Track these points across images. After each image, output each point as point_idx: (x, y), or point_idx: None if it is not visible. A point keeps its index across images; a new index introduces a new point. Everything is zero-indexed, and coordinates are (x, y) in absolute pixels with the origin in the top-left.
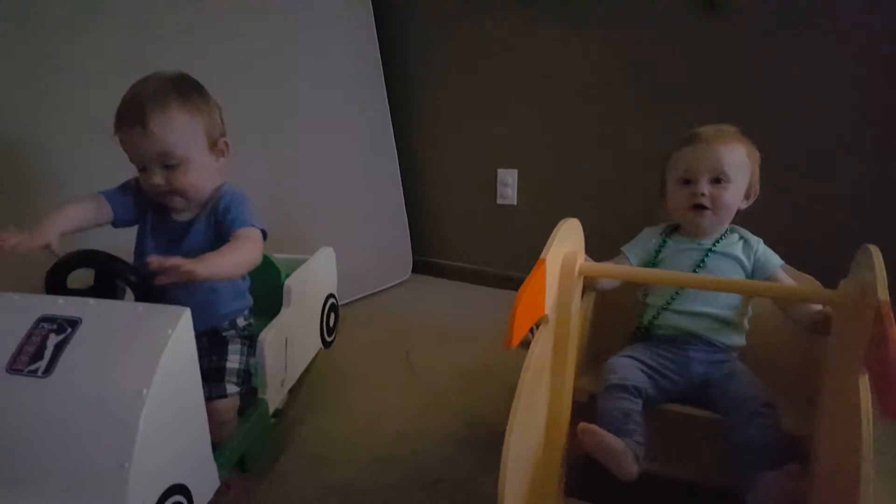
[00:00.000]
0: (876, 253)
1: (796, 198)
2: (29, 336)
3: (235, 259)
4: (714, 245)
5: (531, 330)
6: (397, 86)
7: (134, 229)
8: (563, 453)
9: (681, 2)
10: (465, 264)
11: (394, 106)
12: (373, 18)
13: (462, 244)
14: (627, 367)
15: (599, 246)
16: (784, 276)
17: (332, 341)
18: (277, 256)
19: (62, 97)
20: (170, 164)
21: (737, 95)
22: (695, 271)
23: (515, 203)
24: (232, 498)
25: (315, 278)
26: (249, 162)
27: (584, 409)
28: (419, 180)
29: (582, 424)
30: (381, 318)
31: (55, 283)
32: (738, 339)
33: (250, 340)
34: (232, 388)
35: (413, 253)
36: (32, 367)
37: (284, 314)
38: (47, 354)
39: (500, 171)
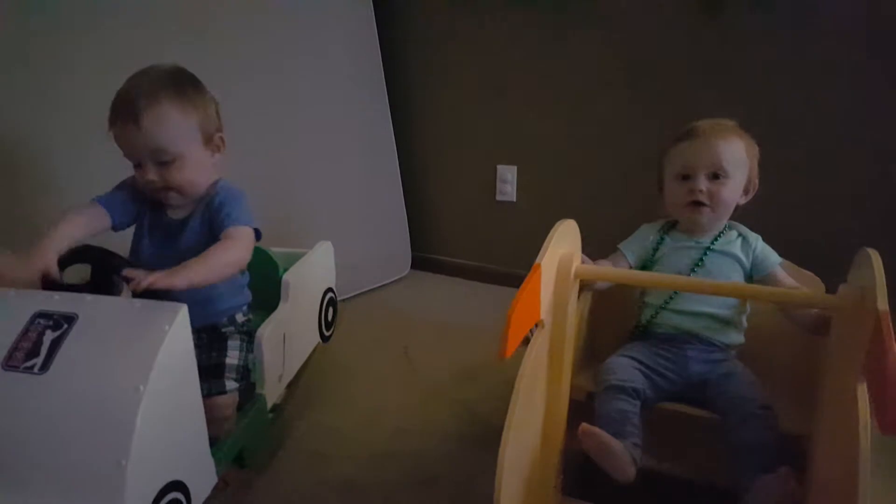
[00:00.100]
0: (875, 257)
1: (796, 196)
2: (25, 332)
3: (219, 262)
4: (712, 243)
5: (530, 330)
6: (397, 82)
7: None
8: (560, 452)
9: (681, 1)
10: (464, 261)
11: (393, 102)
12: (373, 14)
13: (461, 241)
14: (626, 368)
15: (598, 242)
16: (783, 274)
17: (331, 335)
18: (276, 251)
19: (62, 96)
20: (164, 161)
21: (737, 93)
22: (693, 270)
23: (515, 200)
24: (230, 493)
25: (313, 272)
26: (249, 157)
27: (582, 407)
28: (418, 176)
29: (583, 426)
30: (380, 315)
31: (51, 280)
32: (737, 337)
33: (249, 336)
34: (231, 385)
35: (412, 249)
36: (28, 364)
37: (282, 309)
38: (43, 351)
39: (499, 167)
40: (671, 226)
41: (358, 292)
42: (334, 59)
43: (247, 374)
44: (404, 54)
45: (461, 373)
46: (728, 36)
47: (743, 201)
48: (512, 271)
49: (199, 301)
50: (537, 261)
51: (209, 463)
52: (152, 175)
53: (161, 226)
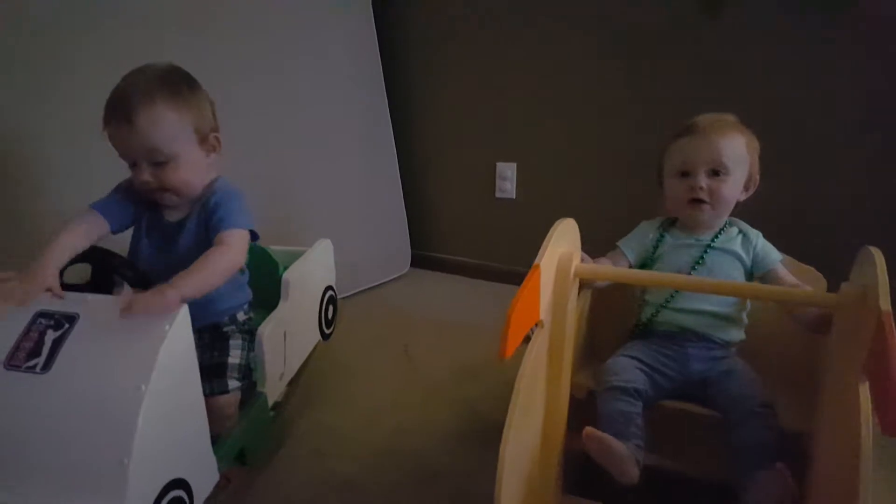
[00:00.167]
0: (878, 255)
1: (798, 194)
2: (26, 331)
3: (212, 271)
4: (713, 241)
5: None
6: (397, 82)
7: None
8: (560, 450)
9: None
10: (463, 258)
11: (393, 101)
12: (372, 14)
13: (461, 238)
14: (627, 369)
15: (598, 239)
16: (784, 271)
17: (331, 333)
18: (275, 249)
19: (61, 96)
20: (158, 161)
21: (737, 92)
22: (693, 268)
23: (514, 197)
24: (231, 491)
25: (313, 270)
26: (250, 156)
27: (583, 404)
28: (418, 174)
29: (587, 429)
30: (380, 312)
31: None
32: (738, 334)
33: (250, 335)
34: (233, 384)
35: (412, 247)
36: (30, 363)
37: (283, 307)
38: (45, 350)
39: (498, 164)
40: (671, 223)
41: (357, 290)
42: (334, 58)
43: (248, 373)
44: (404, 54)
45: (461, 371)
46: (728, 35)
47: (743, 197)
48: (512, 268)
49: (199, 301)
50: (536, 261)
51: (211, 461)
52: (147, 176)
53: (159, 227)
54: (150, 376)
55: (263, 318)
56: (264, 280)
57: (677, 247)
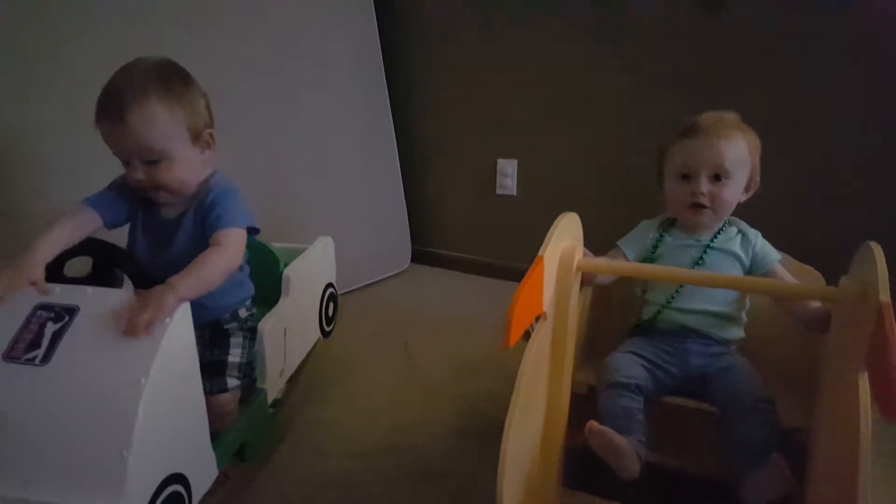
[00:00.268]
0: (878, 250)
1: (797, 193)
2: (26, 324)
3: (209, 273)
4: (712, 241)
5: (531, 324)
6: (397, 79)
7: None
8: (561, 445)
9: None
10: (464, 254)
11: (393, 97)
12: (374, 14)
13: (461, 234)
14: (629, 364)
15: (598, 238)
16: (783, 271)
17: (331, 331)
18: (276, 246)
19: (61, 95)
20: (151, 160)
21: (737, 90)
22: (693, 268)
23: (515, 193)
24: (230, 487)
25: (314, 268)
26: (251, 154)
27: (583, 400)
28: (419, 170)
29: (590, 423)
30: (380, 309)
31: (52, 271)
32: (738, 333)
33: (252, 333)
34: (233, 382)
35: (412, 243)
36: (30, 356)
37: (283, 304)
38: (45, 342)
39: (499, 161)
40: (671, 223)
41: (357, 286)
42: (336, 56)
43: (249, 372)
44: (404, 54)
45: (461, 368)
46: (728, 34)
47: (744, 198)
48: (512, 265)
49: (199, 299)
50: (540, 253)
51: (210, 457)
52: (140, 174)
53: (155, 225)
54: (150, 370)
55: (264, 315)
56: (265, 276)
57: (677, 247)
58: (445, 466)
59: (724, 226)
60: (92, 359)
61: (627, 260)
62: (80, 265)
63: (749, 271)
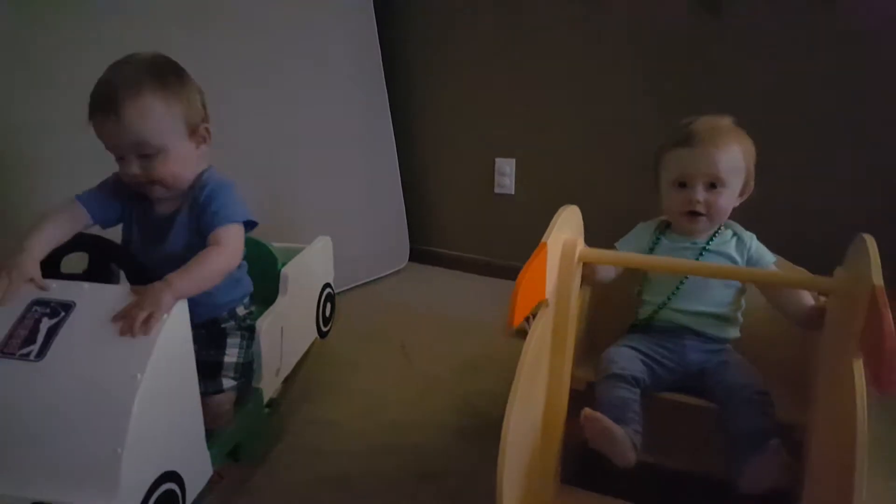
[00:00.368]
0: (870, 241)
1: (794, 195)
2: (21, 319)
3: (208, 272)
4: (708, 243)
5: (527, 319)
6: (397, 80)
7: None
8: (560, 439)
9: None
10: (462, 253)
11: (393, 97)
12: (373, 14)
13: (459, 233)
14: (626, 357)
15: (596, 237)
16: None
17: (329, 331)
18: (275, 245)
19: (61, 94)
20: (146, 154)
21: (737, 90)
22: None
23: (513, 192)
24: (225, 487)
25: (312, 267)
26: (251, 154)
27: (582, 397)
28: (417, 169)
29: (586, 410)
30: (378, 307)
31: (48, 267)
32: (734, 332)
33: (250, 332)
34: (228, 383)
35: (410, 241)
36: (24, 351)
37: (280, 303)
38: (40, 338)
39: (497, 160)
40: (667, 225)
41: (355, 284)
42: (336, 56)
43: (246, 372)
44: (404, 54)
45: (459, 366)
46: (728, 34)
47: (738, 203)
48: (510, 264)
49: (196, 297)
50: (543, 239)
51: (205, 455)
52: (135, 169)
53: (149, 221)
54: (146, 365)
55: (261, 314)
56: (263, 275)
57: (673, 249)
58: (444, 466)
59: (719, 229)
60: (87, 354)
61: None
62: (77, 261)
63: None
